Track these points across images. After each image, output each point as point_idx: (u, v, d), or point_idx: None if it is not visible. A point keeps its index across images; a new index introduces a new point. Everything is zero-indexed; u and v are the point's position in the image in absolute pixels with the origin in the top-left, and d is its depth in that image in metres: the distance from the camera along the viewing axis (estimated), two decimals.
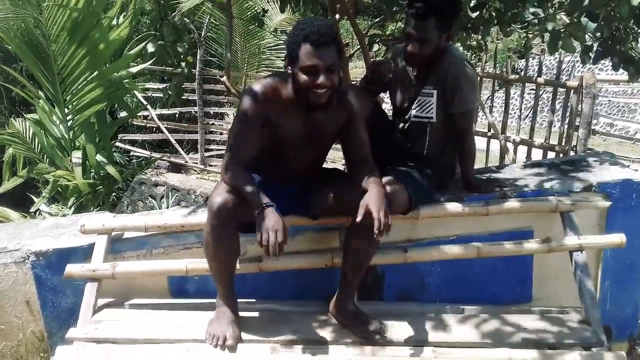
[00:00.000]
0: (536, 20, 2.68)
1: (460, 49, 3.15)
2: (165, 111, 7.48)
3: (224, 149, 2.24)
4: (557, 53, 3.05)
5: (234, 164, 1.89)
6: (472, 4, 2.63)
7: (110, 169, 3.92)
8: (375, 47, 3.72)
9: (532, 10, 2.57)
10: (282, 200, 2.02)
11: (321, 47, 1.79)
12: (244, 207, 1.85)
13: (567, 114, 4.55)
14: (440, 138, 2.30)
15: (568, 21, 2.62)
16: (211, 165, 7.00)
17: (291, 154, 2.03)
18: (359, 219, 1.82)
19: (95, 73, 3.93)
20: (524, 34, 3.20)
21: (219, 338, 1.91)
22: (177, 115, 7.72)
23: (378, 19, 3.78)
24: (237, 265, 2.08)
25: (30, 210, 4.03)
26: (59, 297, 2.20)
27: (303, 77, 1.82)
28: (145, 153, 7.21)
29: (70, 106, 3.97)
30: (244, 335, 1.95)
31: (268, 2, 6.91)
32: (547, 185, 2.38)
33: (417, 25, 2.14)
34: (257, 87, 1.92)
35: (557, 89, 4.77)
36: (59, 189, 4.06)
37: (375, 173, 1.97)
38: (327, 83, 1.81)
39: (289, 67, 1.88)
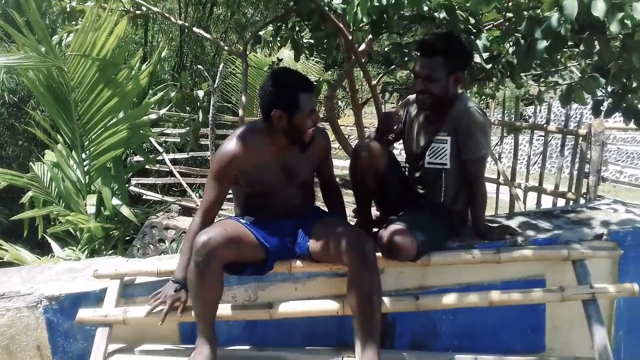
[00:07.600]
0: (548, 73, 2.72)
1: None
2: (177, 155, 7.61)
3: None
4: None
5: (200, 213, 2.11)
6: (485, 57, 2.69)
7: (125, 210, 3.98)
8: (387, 95, 3.81)
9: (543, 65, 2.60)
10: (280, 242, 2.10)
11: (311, 92, 2.04)
12: (230, 249, 1.92)
13: (577, 160, 4.55)
14: (454, 184, 2.31)
15: (580, 74, 2.66)
16: (222, 209, 7.03)
17: (275, 196, 2.12)
18: None
19: (114, 120, 4.05)
20: (534, 85, 3.26)
21: None
22: (188, 159, 7.85)
23: (391, 67, 3.88)
24: (247, 312, 2.10)
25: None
26: (70, 342, 2.20)
27: (307, 121, 2.01)
28: (157, 196, 7.30)
29: (87, 151, 4.08)
30: None
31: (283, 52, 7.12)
32: (558, 233, 2.38)
33: (424, 63, 2.20)
34: (227, 145, 2.05)
35: (566, 136, 4.79)
36: (72, 231, 4.11)
37: (339, 199, 2.35)
38: (319, 121, 2.07)
39: (283, 115, 1.98)
